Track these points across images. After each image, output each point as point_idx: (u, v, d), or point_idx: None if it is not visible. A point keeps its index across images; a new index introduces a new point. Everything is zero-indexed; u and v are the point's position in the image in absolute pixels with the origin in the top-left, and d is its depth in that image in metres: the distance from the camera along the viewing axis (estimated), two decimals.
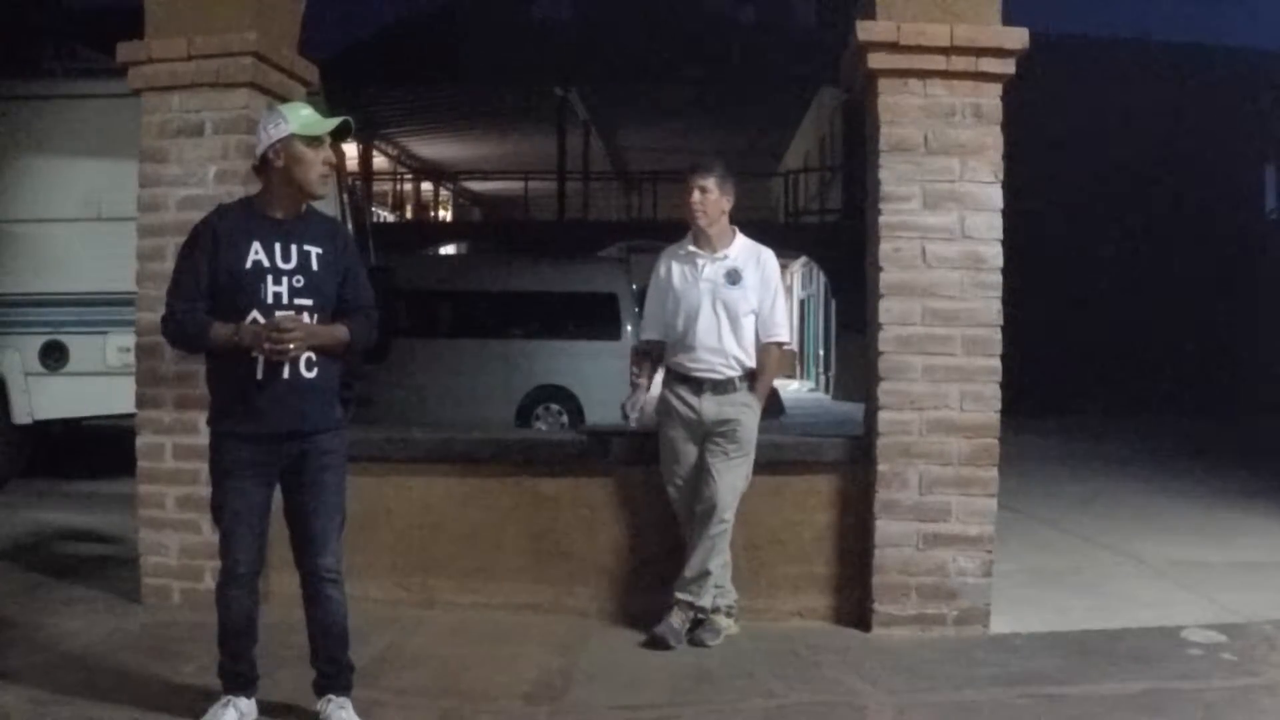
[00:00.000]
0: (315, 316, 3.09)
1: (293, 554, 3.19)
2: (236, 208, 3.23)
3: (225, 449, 3.11)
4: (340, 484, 3.18)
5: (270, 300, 3.04)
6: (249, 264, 3.05)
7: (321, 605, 3.14)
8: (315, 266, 3.10)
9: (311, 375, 3.08)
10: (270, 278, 3.05)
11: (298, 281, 3.07)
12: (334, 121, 3.12)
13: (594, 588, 4.44)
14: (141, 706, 3.31)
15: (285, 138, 3.07)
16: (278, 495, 3.19)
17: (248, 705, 3.18)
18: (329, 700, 3.16)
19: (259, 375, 3.03)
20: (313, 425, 3.10)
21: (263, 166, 3.13)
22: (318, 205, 3.34)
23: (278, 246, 3.08)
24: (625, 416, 4.36)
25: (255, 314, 3.02)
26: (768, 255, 4.29)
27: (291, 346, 2.98)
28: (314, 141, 3.09)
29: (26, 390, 7.56)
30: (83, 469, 8.31)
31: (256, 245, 3.07)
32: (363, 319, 3.19)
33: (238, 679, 3.17)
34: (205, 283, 3.07)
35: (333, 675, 3.19)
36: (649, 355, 4.42)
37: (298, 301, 3.07)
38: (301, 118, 3.10)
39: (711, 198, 4.17)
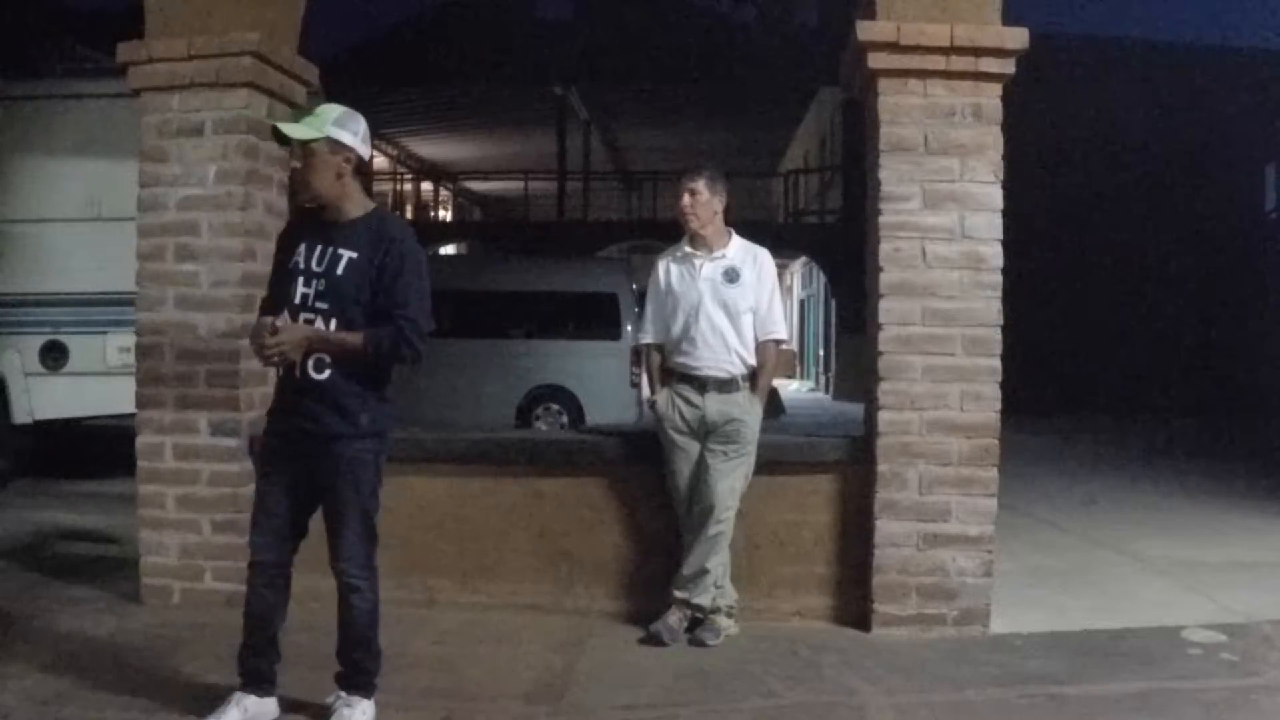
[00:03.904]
0: (333, 321, 3.09)
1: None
2: (314, 211, 3.24)
3: (263, 441, 3.29)
4: (358, 491, 3.13)
5: (297, 301, 3.11)
6: (291, 264, 3.15)
7: (343, 606, 3.17)
8: (340, 272, 3.10)
9: (321, 378, 3.09)
10: (301, 279, 3.12)
11: (320, 285, 3.11)
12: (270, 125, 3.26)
13: (594, 587, 4.44)
14: (142, 706, 3.31)
15: None
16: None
17: (256, 705, 3.17)
18: (339, 696, 3.21)
19: (279, 374, 3.18)
20: (325, 429, 3.10)
21: None
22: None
23: (317, 250, 3.14)
24: (652, 406, 4.34)
25: (285, 313, 3.09)
26: (764, 255, 4.31)
27: (276, 354, 3.02)
28: (289, 149, 3.19)
29: (27, 390, 7.57)
30: (83, 469, 8.31)
31: (302, 247, 3.16)
32: (391, 328, 3.08)
33: (249, 672, 3.19)
34: (273, 283, 3.25)
35: (349, 675, 3.23)
36: (649, 361, 4.42)
37: (317, 305, 3.10)
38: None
39: (702, 199, 4.19)
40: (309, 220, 3.24)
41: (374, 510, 3.18)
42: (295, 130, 3.11)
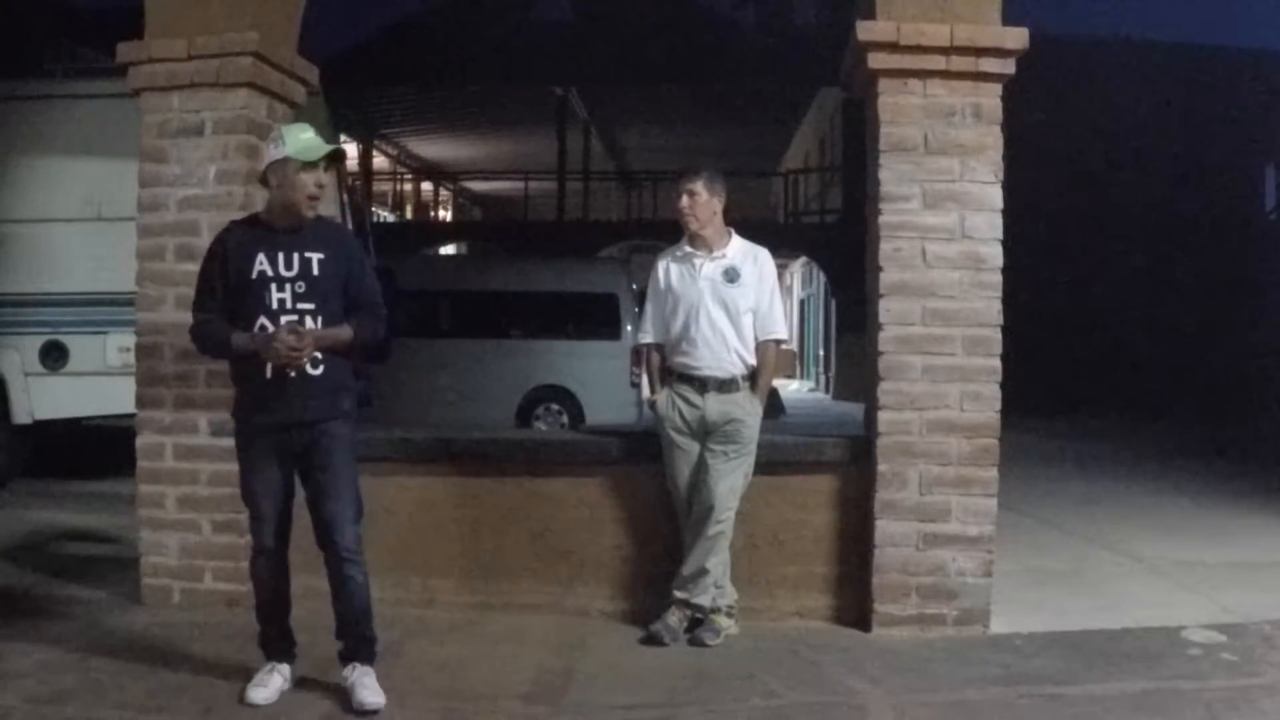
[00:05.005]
0: (319, 319, 3.32)
1: (315, 540, 3.36)
2: (245, 222, 3.49)
3: (247, 437, 3.41)
4: (349, 468, 3.38)
5: (275, 306, 3.29)
6: (255, 274, 3.31)
7: (343, 584, 3.33)
8: (316, 272, 3.34)
9: (316, 373, 3.33)
10: (274, 286, 3.30)
11: (299, 287, 3.31)
12: (327, 149, 3.34)
13: (594, 587, 4.44)
14: (141, 706, 3.32)
15: (281, 160, 3.31)
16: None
17: (288, 670, 3.45)
18: (353, 668, 3.33)
19: (268, 375, 3.28)
20: (318, 414, 3.33)
21: (264, 182, 3.39)
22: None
23: (280, 256, 3.32)
24: (652, 406, 4.35)
25: (263, 319, 3.27)
26: (764, 255, 4.31)
27: (304, 359, 3.25)
28: (308, 165, 3.31)
29: (26, 390, 7.57)
30: (83, 469, 8.31)
31: (262, 256, 3.32)
32: (368, 317, 3.43)
33: (274, 647, 3.44)
34: (220, 294, 3.36)
35: (355, 647, 3.37)
36: (649, 361, 4.42)
37: (300, 306, 3.30)
38: (300, 142, 3.32)
39: (700, 200, 4.19)
40: (252, 231, 3.40)
41: (359, 489, 3.40)
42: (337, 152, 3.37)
